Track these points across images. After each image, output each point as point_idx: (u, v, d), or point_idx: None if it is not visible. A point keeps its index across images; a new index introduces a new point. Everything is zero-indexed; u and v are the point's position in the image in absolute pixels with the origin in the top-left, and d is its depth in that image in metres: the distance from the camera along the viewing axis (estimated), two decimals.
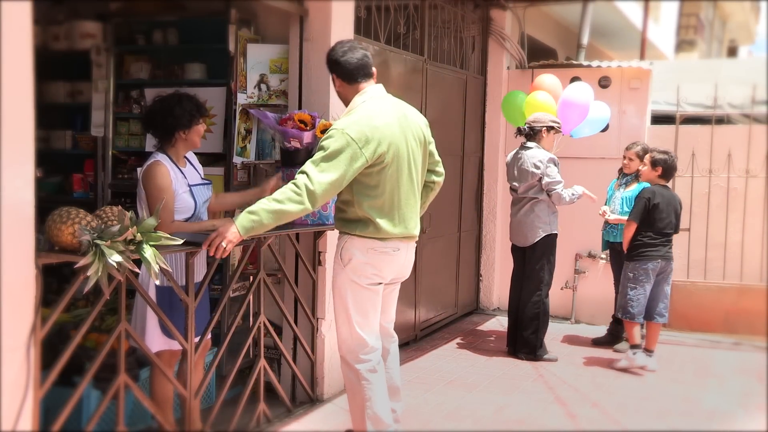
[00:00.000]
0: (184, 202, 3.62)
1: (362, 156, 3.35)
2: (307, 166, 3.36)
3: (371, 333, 3.58)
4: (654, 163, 5.54)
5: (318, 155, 3.36)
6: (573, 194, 5.65)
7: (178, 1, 5.13)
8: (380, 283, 3.60)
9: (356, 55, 3.53)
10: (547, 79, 6.21)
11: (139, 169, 3.64)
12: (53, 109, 5.53)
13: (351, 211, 3.52)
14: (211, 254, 3.30)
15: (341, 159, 3.33)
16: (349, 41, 3.65)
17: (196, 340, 3.63)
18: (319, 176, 3.31)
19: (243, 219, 3.28)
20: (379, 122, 3.43)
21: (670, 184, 5.63)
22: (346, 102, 3.61)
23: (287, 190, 3.31)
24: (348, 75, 3.53)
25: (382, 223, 3.49)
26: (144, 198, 3.58)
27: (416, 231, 3.67)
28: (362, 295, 3.55)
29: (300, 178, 3.33)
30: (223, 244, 3.25)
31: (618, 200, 6.10)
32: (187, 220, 3.65)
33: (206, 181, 3.87)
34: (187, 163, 3.78)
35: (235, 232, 3.27)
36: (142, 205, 3.60)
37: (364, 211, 3.48)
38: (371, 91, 3.56)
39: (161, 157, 3.60)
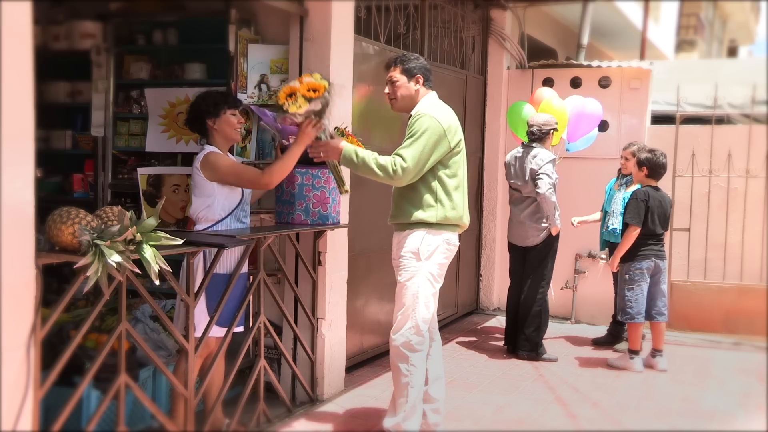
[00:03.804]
0: (232, 190, 3.83)
1: (446, 140, 3.73)
2: (403, 147, 3.68)
3: (426, 324, 3.85)
4: (639, 164, 5.53)
5: (410, 139, 3.69)
6: (554, 201, 5.64)
7: (178, 1, 5.13)
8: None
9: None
10: (546, 92, 6.24)
11: (197, 160, 3.78)
12: (53, 109, 5.52)
13: (426, 198, 3.75)
14: (311, 154, 3.80)
15: (430, 137, 3.67)
16: (412, 54, 4.01)
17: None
18: (408, 152, 3.64)
19: (349, 148, 3.71)
20: (452, 116, 3.87)
21: (669, 184, 5.61)
22: (410, 104, 3.87)
23: (388, 159, 3.67)
24: (429, 79, 3.94)
25: (456, 208, 3.80)
26: (200, 186, 3.76)
27: None
28: (431, 289, 3.84)
29: (396, 158, 3.66)
30: (322, 149, 3.75)
31: (619, 200, 6.08)
32: (234, 209, 3.86)
33: None
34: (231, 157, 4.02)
35: (337, 150, 3.72)
36: (198, 194, 3.78)
37: (441, 195, 3.76)
38: (434, 94, 3.96)
39: (212, 148, 3.82)
